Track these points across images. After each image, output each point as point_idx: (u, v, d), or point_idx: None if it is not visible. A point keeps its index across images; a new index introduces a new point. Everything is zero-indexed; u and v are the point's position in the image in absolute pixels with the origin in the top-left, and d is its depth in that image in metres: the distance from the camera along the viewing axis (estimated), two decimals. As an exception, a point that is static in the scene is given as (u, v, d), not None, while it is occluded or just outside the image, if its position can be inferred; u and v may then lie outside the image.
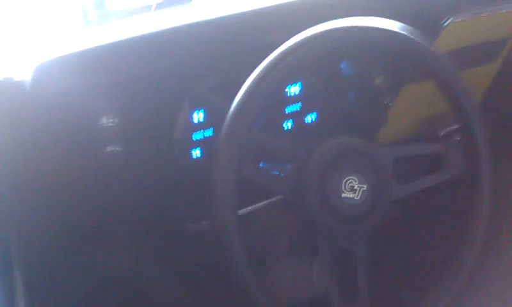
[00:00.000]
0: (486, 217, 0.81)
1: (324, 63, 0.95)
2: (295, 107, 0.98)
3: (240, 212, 0.75)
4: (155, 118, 0.84)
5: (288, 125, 0.99)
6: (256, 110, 0.73)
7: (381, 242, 0.82)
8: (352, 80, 0.99)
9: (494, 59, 1.10)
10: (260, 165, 0.87)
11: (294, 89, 0.97)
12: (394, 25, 0.80)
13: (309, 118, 1.00)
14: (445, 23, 0.98)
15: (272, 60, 0.74)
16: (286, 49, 0.74)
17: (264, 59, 0.76)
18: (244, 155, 0.73)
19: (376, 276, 0.80)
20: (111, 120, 0.78)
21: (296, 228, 1.00)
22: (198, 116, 0.91)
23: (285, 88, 0.95)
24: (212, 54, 0.85)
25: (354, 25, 0.78)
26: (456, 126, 0.88)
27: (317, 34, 0.75)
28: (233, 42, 0.85)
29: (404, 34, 0.79)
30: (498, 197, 0.88)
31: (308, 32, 0.75)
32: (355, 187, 0.77)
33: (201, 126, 0.92)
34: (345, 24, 0.78)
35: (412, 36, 0.79)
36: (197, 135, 0.92)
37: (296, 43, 0.75)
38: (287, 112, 0.98)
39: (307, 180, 0.76)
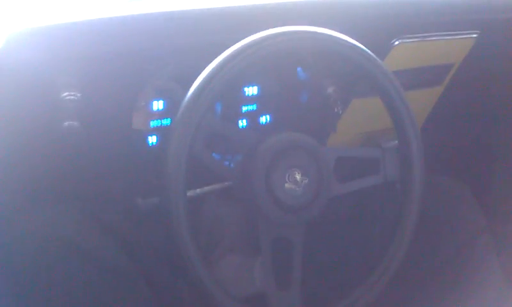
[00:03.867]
0: (414, 221, 0.88)
1: (280, 68, 1.01)
2: (251, 107, 1.04)
3: (189, 193, 0.79)
4: (115, 99, 0.88)
5: (243, 122, 1.04)
6: (212, 96, 0.78)
7: (318, 235, 0.88)
8: (307, 86, 1.05)
9: (439, 83, 1.19)
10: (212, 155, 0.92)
11: (252, 90, 1.03)
12: (348, 38, 0.86)
13: (263, 119, 1.05)
14: (394, 44, 1.06)
15: (231, 52, 0.79)
16: (243, 45, 0.80)
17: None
18: (197, 137, 0.78)
19: (311, 267, 0.85)
20: (72, 94, 0.82)
21: (241, 225, 1.04)
22: (157, 104, 0.96)
23: (242, 85, 1.00)
24: (176, 45, 0.90)
25: (311, 31, 0.84)
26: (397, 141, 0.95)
27: (271, 35, 0.81)
28: (197, 35, 0.91)
29: (359, 47, 0.86)
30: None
31: (263, 34, 0.81)
32: (298, 180, 0.82)
33: (160, 114, 0.97)
34: (302, 29, 0.84)
35: (367, 50, 0.86)
36: (155, 123, 0.97)
37: (251, 42, 0.80)
38: (243, 111, 1.04)
39: (254, 168, 0.81)
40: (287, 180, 0.82)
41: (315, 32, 0.84)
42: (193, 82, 0.80)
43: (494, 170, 1.25)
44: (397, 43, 1.06)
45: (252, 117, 1.04)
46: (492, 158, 1.27)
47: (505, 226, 1.12)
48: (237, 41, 0.81)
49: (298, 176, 0.82)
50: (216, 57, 0.81)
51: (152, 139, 0.97)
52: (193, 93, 0.78)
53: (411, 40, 1.07)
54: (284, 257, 0.83)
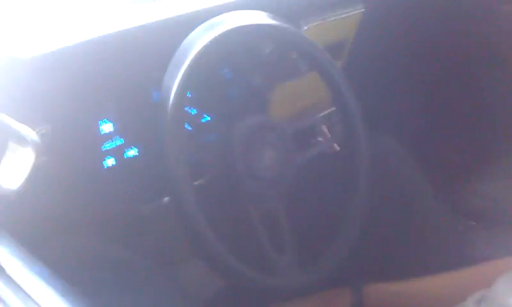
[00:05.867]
0: (365, 170, 0.99)
1: (208, 71, 1.07)
2: (192, 110, 1.08)
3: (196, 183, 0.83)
4: (71, 128, 0.88)
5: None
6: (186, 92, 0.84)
7: (296, 201, 0.95)
8: (234, 84, 1.12)
9: (339, 59, 1.32)
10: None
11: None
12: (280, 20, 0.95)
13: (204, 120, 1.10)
14: (304, 28, 1.17)
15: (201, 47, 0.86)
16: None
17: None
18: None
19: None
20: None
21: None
22: (107, 127, 0.96)
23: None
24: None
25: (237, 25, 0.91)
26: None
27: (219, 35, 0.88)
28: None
29: (290, 28, 0.95)
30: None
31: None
32: (270, 155, 0.90)
33: (111, 136, 0.96)
34: (238, 23, 0.91)
35: (298, 31, 0.96)
36: (107, 145, 0.96)
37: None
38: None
39: (233, 154, 0.88)
40: (262, 157, 0.89)
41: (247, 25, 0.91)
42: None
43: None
44: (306, 27, 1.17)
45: (194, 120, 1.08)
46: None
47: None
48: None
49: (270, 152, 0.90)
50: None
51: (111, 162, 0.96)
52: (175, 91, 0.82)
53: (315, 23, 1.19)
54: (275, 226, 0.89)
